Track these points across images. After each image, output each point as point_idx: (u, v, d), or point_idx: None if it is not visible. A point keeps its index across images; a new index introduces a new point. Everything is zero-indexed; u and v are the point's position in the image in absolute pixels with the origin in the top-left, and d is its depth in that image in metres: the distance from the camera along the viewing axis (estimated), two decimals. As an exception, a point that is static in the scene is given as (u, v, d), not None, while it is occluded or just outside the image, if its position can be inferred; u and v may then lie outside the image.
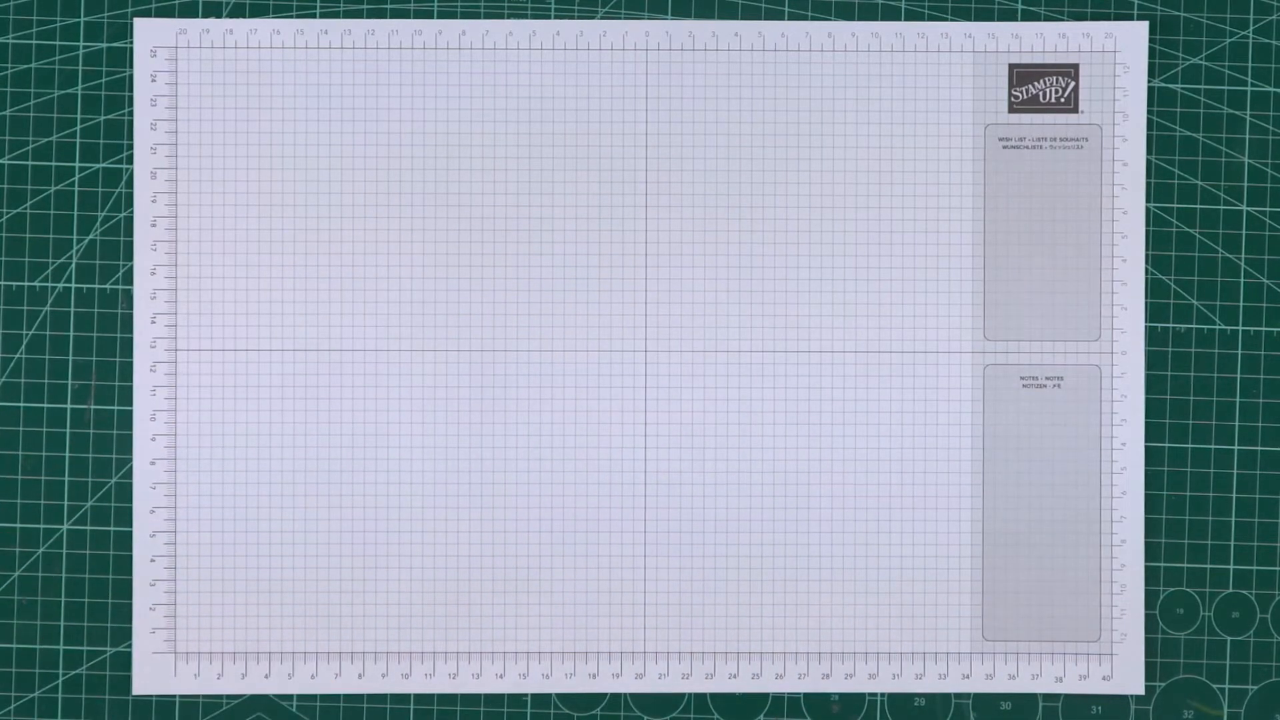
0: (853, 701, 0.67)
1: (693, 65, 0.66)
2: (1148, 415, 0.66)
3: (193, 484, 0.66)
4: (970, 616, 0.66)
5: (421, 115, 0.66)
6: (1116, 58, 0.66)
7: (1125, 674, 0.66)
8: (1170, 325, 0.67)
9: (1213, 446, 0.67)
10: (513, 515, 0.66)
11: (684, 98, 0.66)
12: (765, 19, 0.67)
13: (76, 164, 0.66)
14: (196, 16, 0.66)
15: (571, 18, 0.67)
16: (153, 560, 0.66)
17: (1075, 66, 0.66)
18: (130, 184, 0.66)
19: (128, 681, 0.66)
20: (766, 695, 0.67)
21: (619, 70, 0.66)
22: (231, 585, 0.66)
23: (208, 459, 0.66)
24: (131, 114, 0.66)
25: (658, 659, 0.66)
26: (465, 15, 0.67)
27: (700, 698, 0.67)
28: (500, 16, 0.67)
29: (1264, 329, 0.67)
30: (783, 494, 0.66)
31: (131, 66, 0.66)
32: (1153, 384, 0.67)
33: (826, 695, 0.67)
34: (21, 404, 0.66)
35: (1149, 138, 0.67)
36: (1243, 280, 0.67)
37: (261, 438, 0.66)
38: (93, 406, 0.66)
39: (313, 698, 0.66)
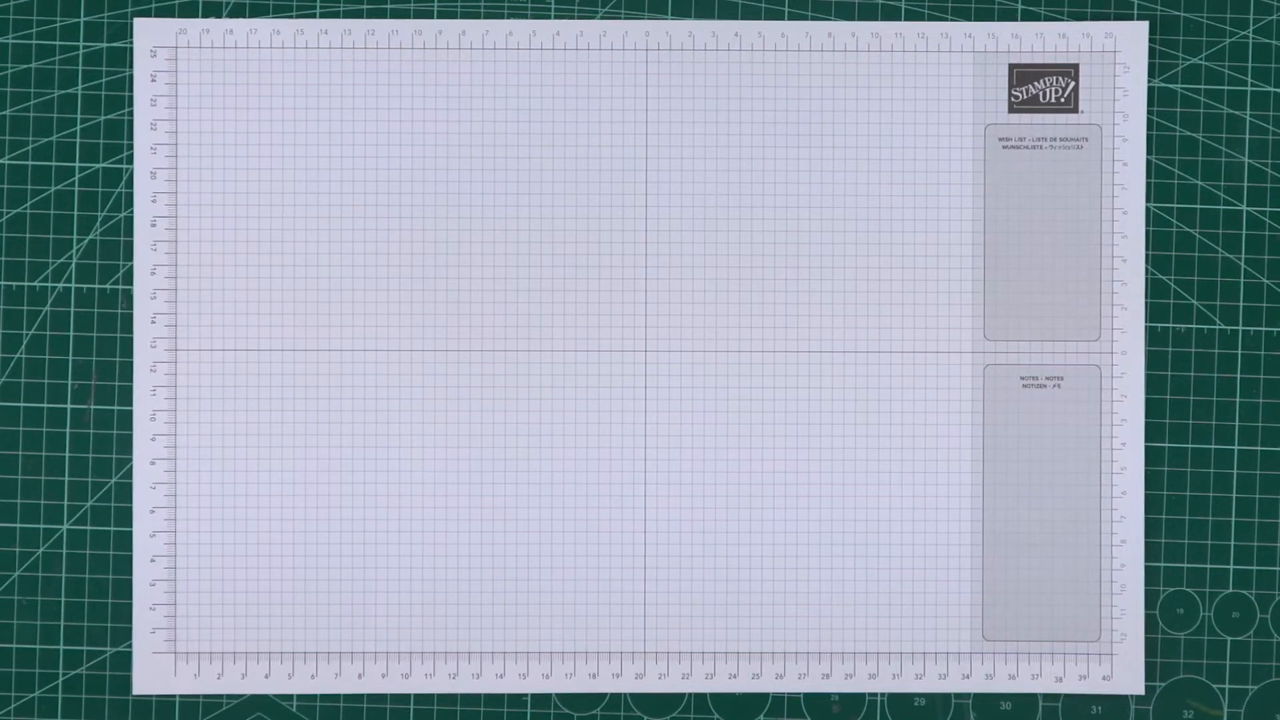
0: (853, 701, 0.67)
1: (693, 65, 0.66)
2: (1148, 415, 0.66)
3: (193, 484, 0.66)
4: (970, 616, 0.66)
5: (421, 115, 0.66)
6: (1116, 58, 0.66)
7: (1125, 674, 0.66)
8: (1170, 325, 0.67)
9: (1213, 446, 0.67)
10: (513, 515, 0.66)
11: (684, 98, 0.66)
12: (765, 19, 0.67)
13: (76, 164, 0.66)
14: (196, 16, 0.66)
15: (571, 18, 0.67)
16: (153, 560, 0.66)
17: (1075, 66, 0.66)
18: (130, 184, 0.66)
19: (128, 681, 0.66)
20: (766, 695, 0.67)
21: (619, 70, 0.66)
22: (231, 585, 0.66)
23: (208, 459, 0.66)
24: (131, 114, 0.66)
25: (658, 659, 0.66)
26: (465, 15, 0.67)
27: (700, 698, 0.67)
28: (500, 16, 0.67)
29: (1264, 329, 0.67)
30: (783, 494, 0.66)
31: (131, 66, 0.66)
32: (1153, 384, 0.67)
33: (826, 695, 0.67)
34: (21, 404, 0.66)
35: (1149, 138, 0.67)
36: (1243, 280, 0.67)
37: (261, 438, 0.66)
38: (93, 406, 0.66)
39: (313, 698, 0.66)
